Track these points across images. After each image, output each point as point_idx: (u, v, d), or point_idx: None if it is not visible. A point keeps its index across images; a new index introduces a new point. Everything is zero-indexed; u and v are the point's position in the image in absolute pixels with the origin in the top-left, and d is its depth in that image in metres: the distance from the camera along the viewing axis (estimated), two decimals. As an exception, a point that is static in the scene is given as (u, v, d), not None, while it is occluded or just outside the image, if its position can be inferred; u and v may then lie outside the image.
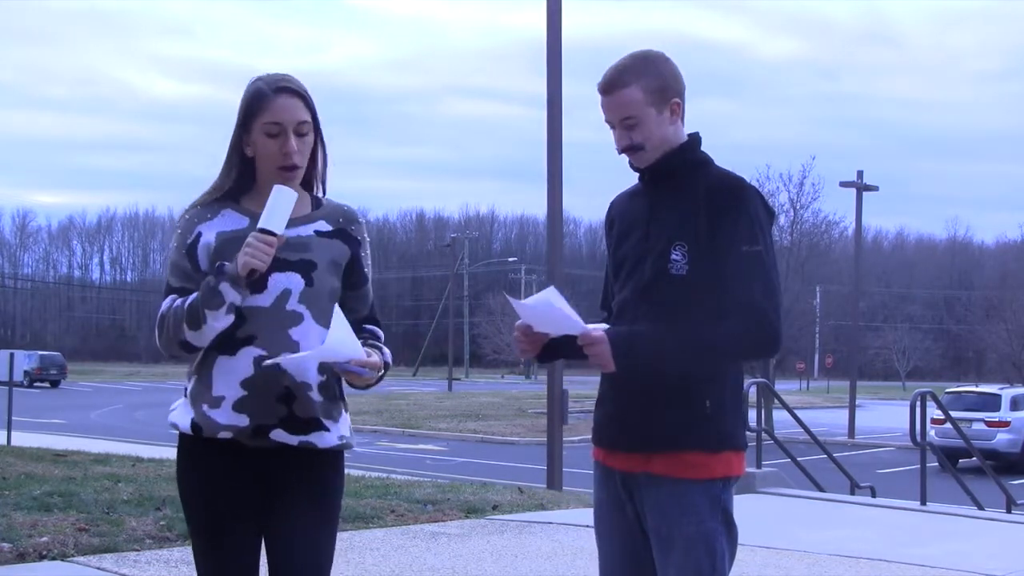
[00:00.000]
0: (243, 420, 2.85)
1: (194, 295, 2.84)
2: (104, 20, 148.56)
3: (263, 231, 2.80)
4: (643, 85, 2.99)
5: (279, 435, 2.86)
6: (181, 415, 2.94)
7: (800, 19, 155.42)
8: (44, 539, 6.40)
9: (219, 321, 2.82)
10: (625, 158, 3.11)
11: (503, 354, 79.78)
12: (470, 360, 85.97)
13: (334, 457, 2.98)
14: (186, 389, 2.97)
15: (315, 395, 2.89)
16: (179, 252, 2.93)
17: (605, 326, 3.00)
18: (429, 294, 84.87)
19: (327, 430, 2.92)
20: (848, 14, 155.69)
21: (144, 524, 7.06)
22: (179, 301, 2.87)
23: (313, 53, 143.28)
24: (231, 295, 2.80)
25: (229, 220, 2.93)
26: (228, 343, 2.86)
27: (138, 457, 13.32)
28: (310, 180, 3.05)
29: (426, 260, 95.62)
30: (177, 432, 2.96)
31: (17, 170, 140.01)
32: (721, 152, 3.10)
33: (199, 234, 2.92)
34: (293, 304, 2.88)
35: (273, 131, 2.89)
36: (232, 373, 2.86)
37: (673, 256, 2.97)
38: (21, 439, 17.05)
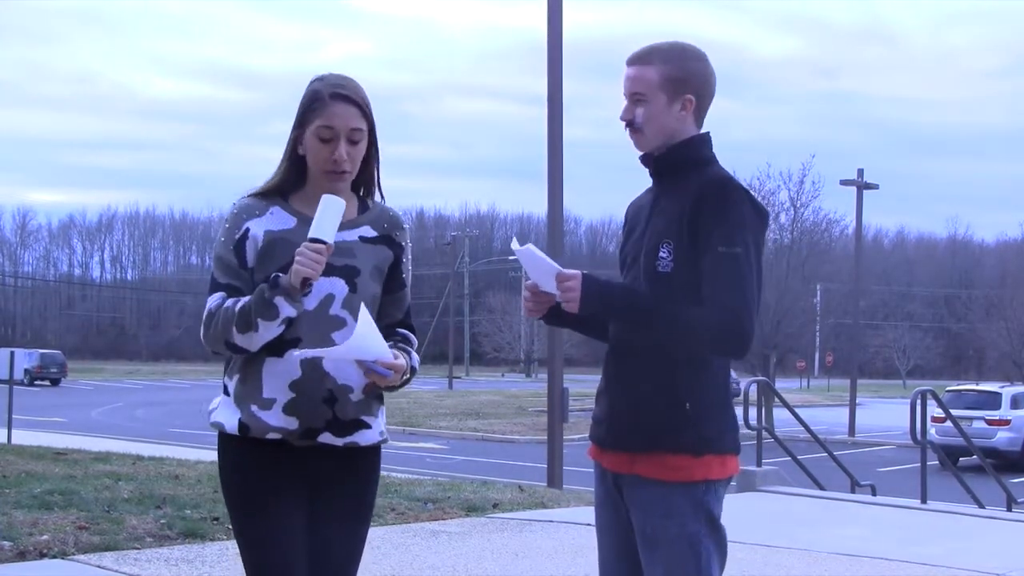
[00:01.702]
0: (293, 423, 2.90)
1: (246, 300, 2.85)
2: (99, 19, 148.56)
3: (313, 240, 2.82)
4: (663, 70, 3.00)
5: (326, 438, 2.93)
6: (226, 415, 2.94)
7: (797, 18, 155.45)
8: (44, 537, 6.40)
9: (270, 331, 2.84)
10: (634, 150, 3.12)
11: (503, 352, 79.86)
12: (470, 358, 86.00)
13: (373, 453, 3.05)
14: (226, 388, 2.97)
15: (355, 396, 2.94)
16: (226, 247, 2.94)
17: None
18: (429, 292, 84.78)
19: (369, 427, 2.99)
20: (844, 13, 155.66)
21: (144, 522, 7.06)
22: (230, 302, 2.87)
23: (310, 51, 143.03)
24: (286, 309, 2.83)
25: (278, 219, 2.95)
26: (275, 345, 2.89)
27: (138, 455, 13.33)
28: (361, 184, 3.07)
29: (427, 258, 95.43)
30: (220, 432, 2.97)
31: (17, 168, 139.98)
32: (720, 151, 3.10)
33: (247, 229, 2.93)
34: (336, 309, 2.92)
35: (326, 135, 2.91)
36: (281, 375, 2.89)
37: (661, 254, 2.98)
38: (21, 437, 17.06)
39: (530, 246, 2.99)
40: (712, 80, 3.07)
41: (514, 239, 3.08)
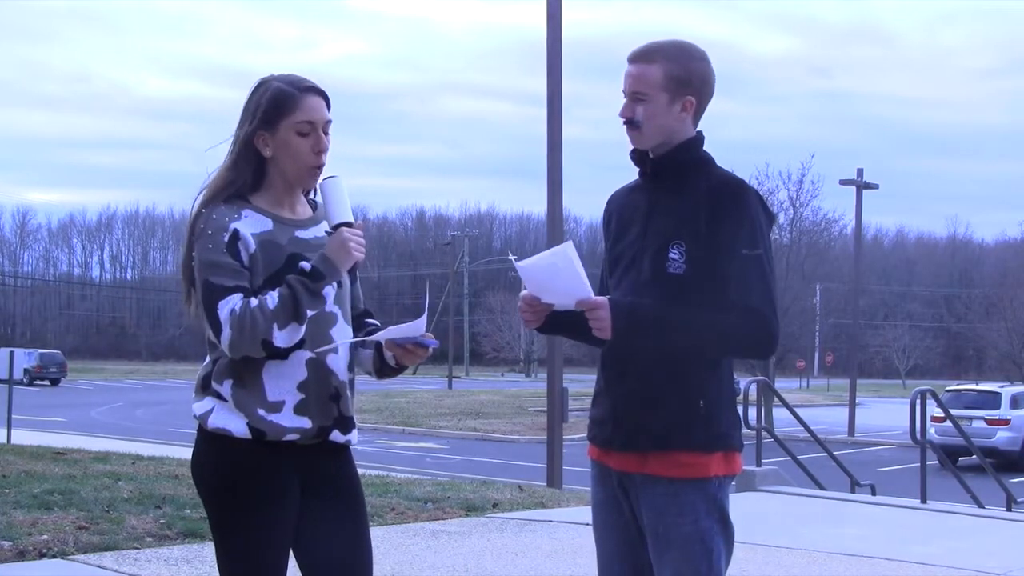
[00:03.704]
0: (306, 423, 2.91)
1: (276, 296, 2.80)
2: (95, 18, 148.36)
3: (346, 224, 2.88)
4: (666, 69, 3.00)
5: (336, 436, 2.97)
6: (229, 420, 2.88)
7: (790, 16, 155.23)
8: (44, 537, 6.40)
9: (303, 329, 2.86)
10: (628, 147, 3.10)
11: (503, 352, 79.83)
12: (470, 358, 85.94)
13: (350, 450, 3.10)
14: (218, 393, 2.90)
15: (350, 392, 3.01)
16: (219, 251, 2.85)
17: None
18: (429, 291, 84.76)
19: (355, 427, 3.05)
20: (838, 12, 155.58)
21: (144, 522, 7.06)
22: (255, 301, 2.81)
23: (305, 50, 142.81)
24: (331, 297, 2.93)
25: (255, 222, 2.91)
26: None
27: (138, 455, 13.34)
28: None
29: (426, 258, 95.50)
30: (218, 435, 2.90)
31: (16, 168, 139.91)
32: (716, 150, 3.10)
33: (236, 231, 2.87)
34: (329, 305, 2.96)
35: (305, 130, 2.93)
36: (286, 377, 2.89)
37: (671, 255, 2.96)
38: (21, 437, 17.06)
39: (566, 249, 2.91)
40: (712, 80, 3.07)
41: (511, 256, 3.08)
